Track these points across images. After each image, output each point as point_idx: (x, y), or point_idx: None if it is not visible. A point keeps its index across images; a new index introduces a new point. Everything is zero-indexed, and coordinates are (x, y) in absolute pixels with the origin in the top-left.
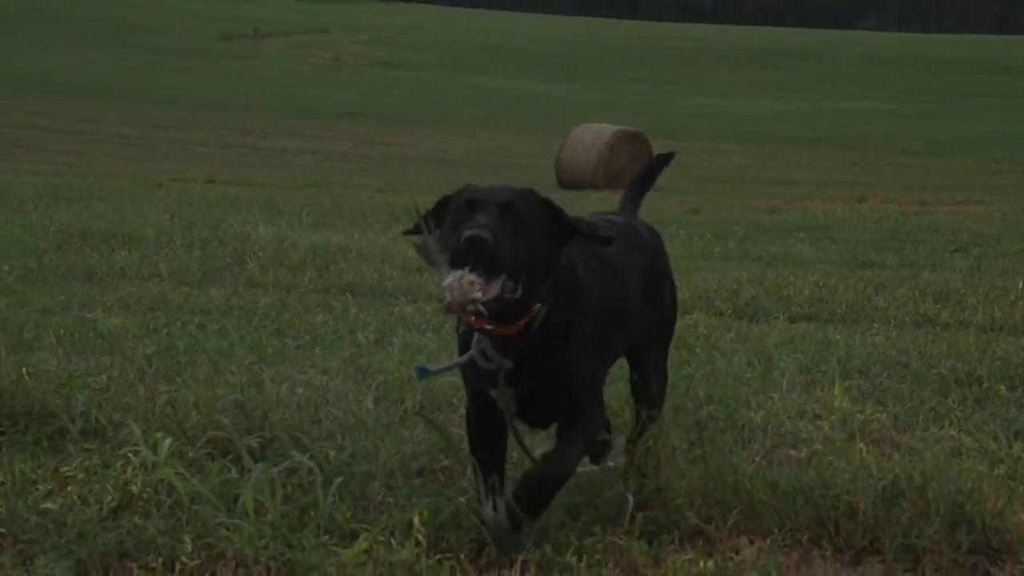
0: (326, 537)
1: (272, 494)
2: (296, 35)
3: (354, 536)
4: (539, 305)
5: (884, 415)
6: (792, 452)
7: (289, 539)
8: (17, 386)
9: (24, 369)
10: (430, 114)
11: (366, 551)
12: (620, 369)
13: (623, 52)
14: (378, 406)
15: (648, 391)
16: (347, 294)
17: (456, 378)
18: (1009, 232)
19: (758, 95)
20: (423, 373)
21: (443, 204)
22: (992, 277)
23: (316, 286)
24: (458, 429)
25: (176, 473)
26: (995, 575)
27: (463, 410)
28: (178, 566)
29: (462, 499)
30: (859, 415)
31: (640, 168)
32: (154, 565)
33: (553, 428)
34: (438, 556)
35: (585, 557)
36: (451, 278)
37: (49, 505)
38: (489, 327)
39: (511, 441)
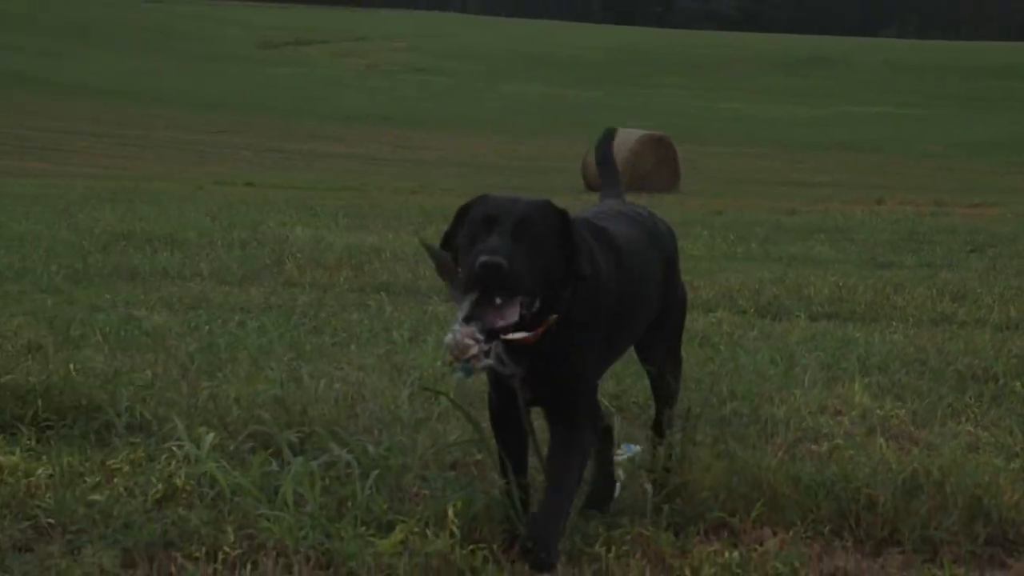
0: (363, 528)
1: (311, 486)
2: (335, 43)
3: (390, 527)
4: (555, 316)
5: (903, 411)
6: (814, 447)
7: (328, 530)
8: (65, 382)
9: (72, 365)
10: (464, 119)
11: (402, 541)
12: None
13: (652, 59)
14: (413, 401)
15: (664, 384)
16: (382, 293)
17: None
18: None
19: (782, 100)
20: (468, 372)
21: (463, 213)
22: (1007, 277)
23: (352, 285)
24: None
25: (218, 466)
26: (1012, 566)
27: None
28: (220, 556)
29: (495, 491)
30: (879, 411)
31: (607, 160)
32: (197, 555)
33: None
34: (472, 546)
35: (613, 548)
36: (449, 336)
37: (96, 497)
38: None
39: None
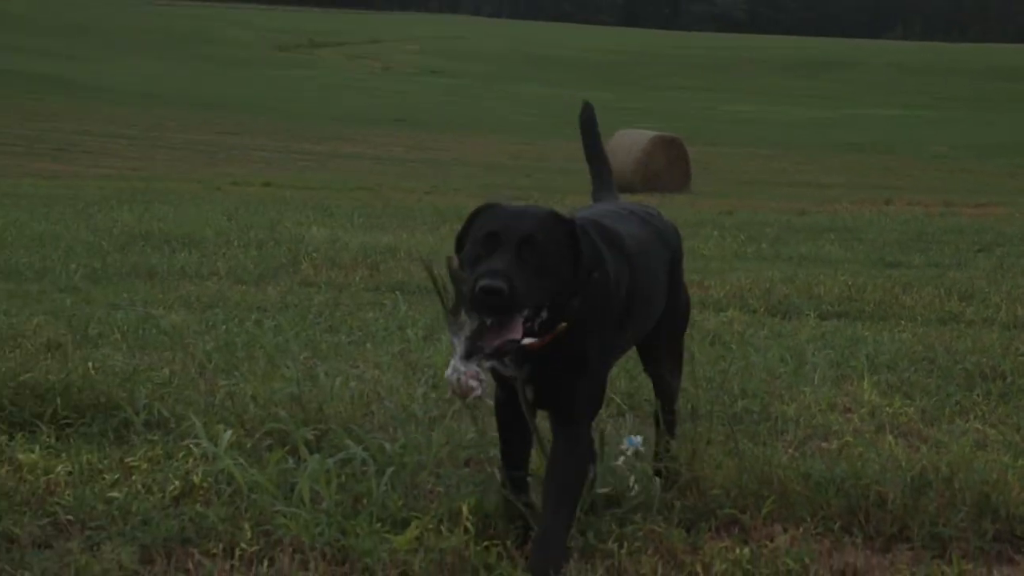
0: (379, 524)
1: (327, 483)
2: (349, 45)
3: (405, 523)
4: (564, 324)
5: (912, 408)
6: (824, 444)
7: (343, 526)
8: (84, 380)
9: (90, 364)
10: (477, 120)
11: (417, 538)
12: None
13: (662, 62)
14: (427, 399)
15: (665, 384)
16: (396, 292)
17: None
18: None
19: (791, 102)
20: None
21: (473, 218)
22: (1015, 276)
23: (367, 285)
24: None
25: (235, 463)
26: (1020, 562)
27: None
28: (237, 552)
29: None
30: (888, 408)
31: (596, 152)
32: (215, 551)
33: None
34: (486, 543)
35: (626, 544)
36: (451, 372)
37: (115, 494)
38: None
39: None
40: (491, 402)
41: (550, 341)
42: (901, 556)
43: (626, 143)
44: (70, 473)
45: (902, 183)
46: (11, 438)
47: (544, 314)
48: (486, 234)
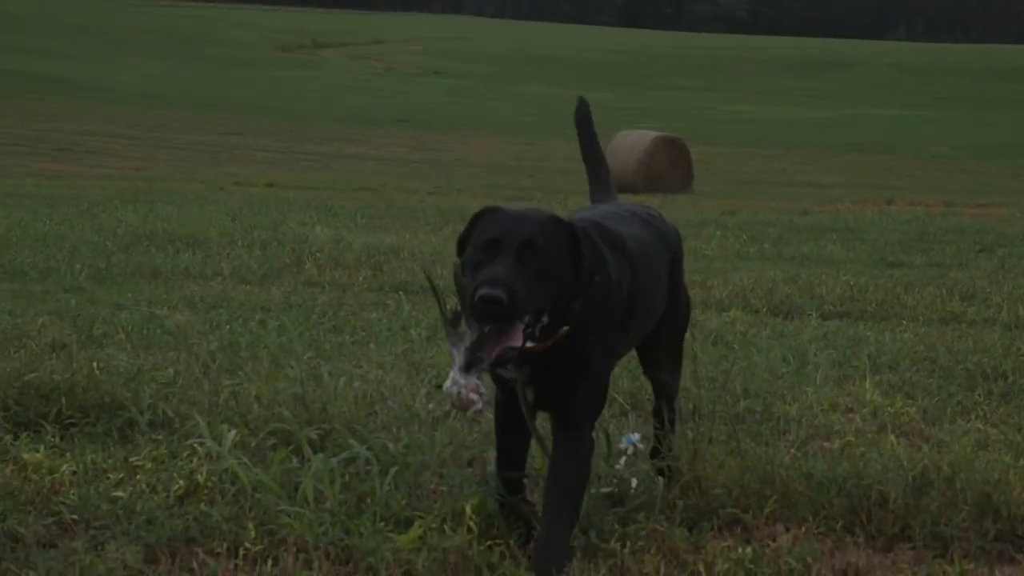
0: (382, 524)
1: (331, 483)
2: (352, 45)
3: (409, 523)
4: (567, 328)
5: (913, 408)
6: (826, 444)
7: (347, 526)
8: (88, 380)
9: (95, 364)
10: (479, 121)
11: (420, 537)
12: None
13: (664, 62)
14: (431, 399)
15: (663, 386)
16: (400, 292)
17: None
18: None
19: (793, 102)
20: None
21: (475, 220)
22: (1016, 276)
23: (371, 285)
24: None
25: (239, 463)
26: (1021, 562)
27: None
28: (242, 551)
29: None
30: (889, 408)
31: (591, 150)
32: (219, 550)
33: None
34: (489, 542)
35: (628, 543)
36: (451, 385)
37: (119, 493)
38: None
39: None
40: (491, 415)
41: (552, 344)
42: (903, 556)
43: (628, 143)
44: (75, 473)
45: (902, 183)
46: (16, 438)
47: (545, 319)
48: (487, 239)
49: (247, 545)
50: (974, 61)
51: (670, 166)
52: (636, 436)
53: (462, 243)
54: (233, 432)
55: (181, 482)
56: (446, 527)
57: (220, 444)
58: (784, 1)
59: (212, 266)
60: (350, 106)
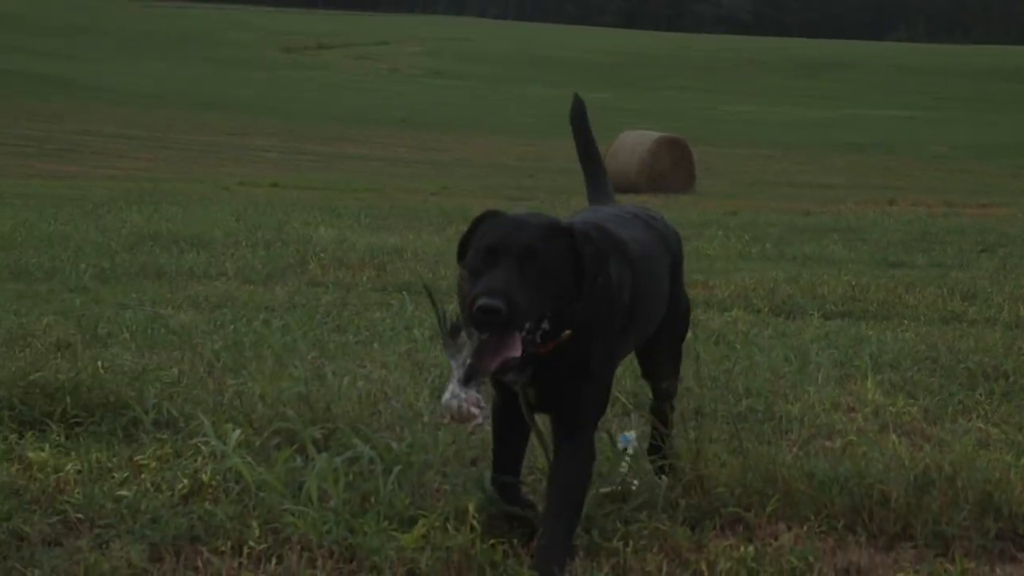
0: (386, 523)
1: (335, 482)
2: (356, 47)
3: (412, 522)
4: (568, 332)
5: (915, 408)
6: (827, 443)
7: (351, 524)
8: (93, 379)
9: (100, 363)
10: (482, 121)
11: (424, 536)
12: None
13: (665, 63)
14: (434, 399)
15: (661, 388)
16: (403, 292)
17: None
18: None
19: (794, 103)
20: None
21: (477, 224)
22: (1017, 276)
23: (374, 285)
24: None
25: (244, 462)
26: (1022, 560)
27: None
28: (246, 550)
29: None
30: (891, 407)
31: (588, 151)
32: (223, 549)
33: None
34: (492, 541)
35: (631, 542)
36: (451, 398)
37: (124, 492)
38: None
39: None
40: (490, 427)
41: (553, 347)
42: (904, 554)
43: (631, 144)
44: (79, 471)
45: (904, 184)
46: (21, 437)
47: (545, 325)
48: (487, 247)
49: (251, 544)
50: (974, 61)
51: (672, 166)
52: (632, 435)
53: (463, 247)
54: (237, 431)
55: (185, 481)
56: (449, 526)
57: (224, 443)
58: (785, 2)
59: (216, 266)
60: (353, 107)
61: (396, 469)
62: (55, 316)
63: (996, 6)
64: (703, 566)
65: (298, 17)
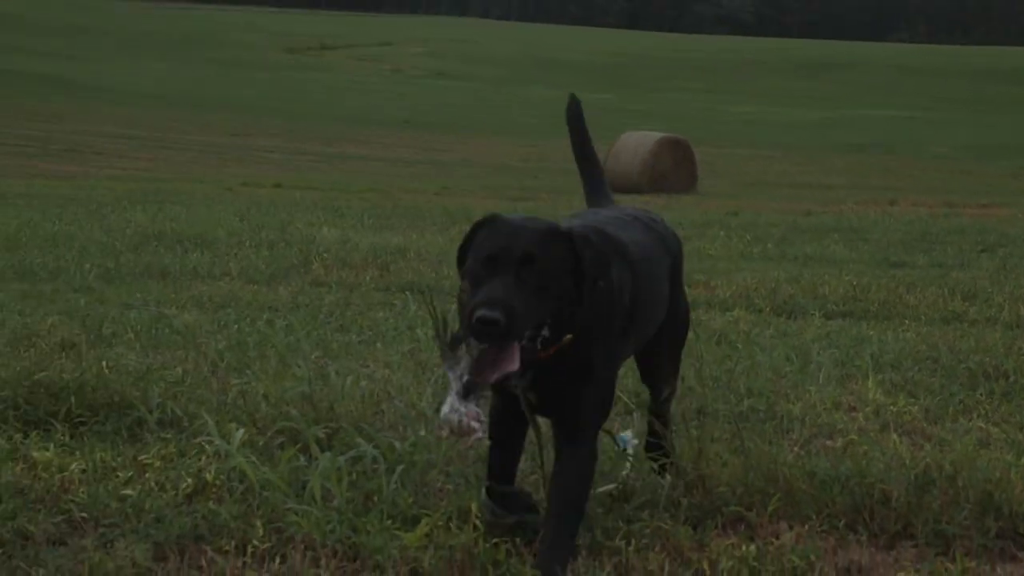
0: (389, 522)
1: (338, 481)
2: (359, 48)
3: (416, 521)
4: (570, 336)
5: (916, 407)
6: (829, 442)
7: (354, 523)
8: (98, 379)
9: (104, 363)
10: (485, 122)
11: (427, 535)
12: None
13: (667, 64)
14: (437, 398)
15: (664, 389)
16: (406, 292)
17: None
18: None
19: (795, 103)
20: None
21: (476, 230)
22: (1018, 276)
23: (377, 285)
24: None
25: (248, 461)
26: (1022, 559)
27: None
28: (250, 549)
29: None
30: (892, 407)
31: (584, 152)
32: (227, 548)
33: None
34: (495, 540)
35: (633, 541)
36: (450, 411)
37: (128, 491)
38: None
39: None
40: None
41: (555, 351)
42: (905, 553)
43: (633, 144)
44: (84, 471)
45: (904, 184)
46: (26, 436)
47: (546, 331)
48: (486, 255)
49: (255, 543)
50: (974, 62)
51: (674, 167)
52: (629, 434)
53: (462, 252)
54: (241, 431)
55: (190, 480)
56: (452, 525)
57: (228, 443)
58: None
59: (220, 266)
60: (356, 108)
61: (399, 468)
62: (59, 316)
63: (996, 6)
64: (705, 565)
65: (301, 18)
